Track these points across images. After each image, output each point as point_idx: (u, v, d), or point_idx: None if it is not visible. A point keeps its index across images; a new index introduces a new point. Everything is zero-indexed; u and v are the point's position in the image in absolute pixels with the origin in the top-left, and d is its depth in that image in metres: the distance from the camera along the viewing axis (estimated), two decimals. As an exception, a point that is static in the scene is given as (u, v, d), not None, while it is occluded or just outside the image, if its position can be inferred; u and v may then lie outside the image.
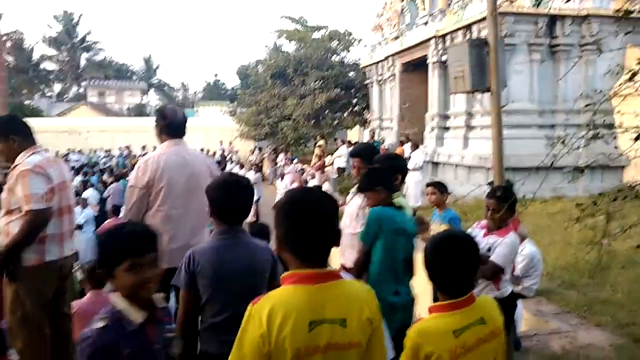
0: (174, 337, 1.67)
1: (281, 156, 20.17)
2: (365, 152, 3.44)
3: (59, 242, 2.89)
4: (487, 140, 8.91)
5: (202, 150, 24.55)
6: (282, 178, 13.55)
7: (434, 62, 13.15)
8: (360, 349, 1.36)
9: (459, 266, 1.70)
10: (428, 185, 4.52)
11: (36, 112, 34.24)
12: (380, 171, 3.02)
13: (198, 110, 43.22)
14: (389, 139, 16.12)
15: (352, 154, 3.61)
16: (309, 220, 1.37)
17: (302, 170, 16.36)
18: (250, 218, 11.71)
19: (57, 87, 53.01)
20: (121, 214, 8.56)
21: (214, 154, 24.08)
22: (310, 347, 1.29)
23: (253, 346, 1.29)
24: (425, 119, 14.05)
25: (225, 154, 24.25)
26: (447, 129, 12.98)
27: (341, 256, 3.33)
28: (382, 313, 2.57)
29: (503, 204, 3.13)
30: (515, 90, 10.36)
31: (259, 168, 15.80)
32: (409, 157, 10.44)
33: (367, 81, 19.48)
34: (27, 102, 40.86)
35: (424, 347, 1.69)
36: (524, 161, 8.07)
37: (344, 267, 3.24)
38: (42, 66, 49.24)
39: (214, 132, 27.61)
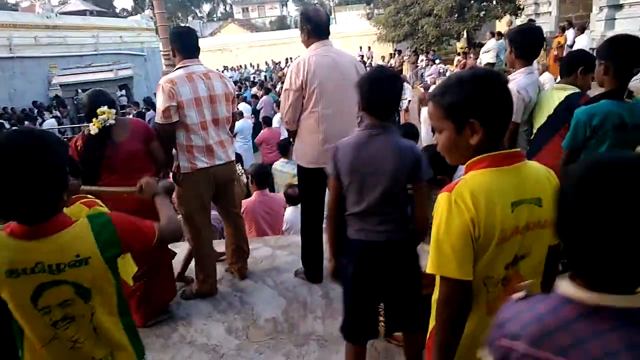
0: None
1: (422, 57, 19.25)
2: (515, 35, 2.96)
3: (207, 152, 3.14)
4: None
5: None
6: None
7: None
8: (551, 227, 1.31)
9: None
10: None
11: (191, 34, 36.99)
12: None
13: (335, 16, 42.58)
14: (546, 25, 14.23)
15: (507, 36, 3.10)
16: (504, 96, 1.32)
17: (445, 71, 15.52)
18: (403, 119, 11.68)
19: (206, 7, 56.29)
20: (274, 124, 9.23)
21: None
22: (513, 228, 1.28)
23: (463, 230, 1.26)
24: (592, -2, 12.00)
25: (365, 59, 23.96)
26: (620, 7, 10.97)
27: None
28: None
29: None
30: None
31: (399, 72, 15.37)
32: (573, 44, 9.19)
33: (520, -40, 17.05)
34: (182, 24, 44.39)
35: None
36: None
37: None
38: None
39: (352, 38, 27.22)
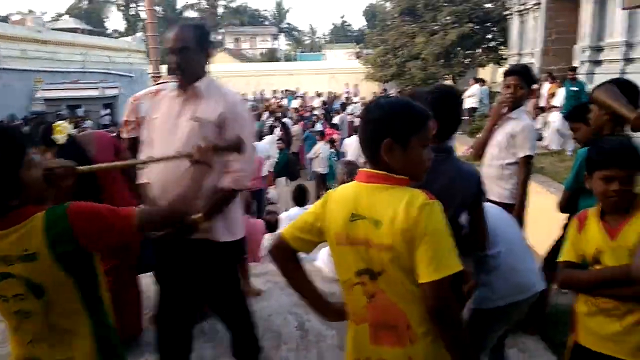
0: None
1: (408, 97, 19.63)
2: (525, 71, 3.10)
3: None
4: (652, 74, 7.68)
5: (329, 93, 25.02)
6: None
7: (589, -15, 11.46)
8: (394, 253, 1.39)
9: None
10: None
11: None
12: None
13: (325, 53, 43.47)
14: (528, 76, 14.72)
15: (507, 73, 3.15)
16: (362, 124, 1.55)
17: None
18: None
19: (198, 35, 56.86)
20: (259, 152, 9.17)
21: (339, 96, 24.26)
22: (351, 236, 1.46)
23: (312, 215, 1.57)
24: (573, 52, 12.50)
25: (350, 96, 24.32)
26: (600, 63, 11.44)
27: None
28: None
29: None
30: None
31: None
32: (553, 95, 9.50)
33: (506, 12, 17.77)
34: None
35: None
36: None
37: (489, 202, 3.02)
38: (184, 14, 53.00)
39: (340, 75, 27.68)
